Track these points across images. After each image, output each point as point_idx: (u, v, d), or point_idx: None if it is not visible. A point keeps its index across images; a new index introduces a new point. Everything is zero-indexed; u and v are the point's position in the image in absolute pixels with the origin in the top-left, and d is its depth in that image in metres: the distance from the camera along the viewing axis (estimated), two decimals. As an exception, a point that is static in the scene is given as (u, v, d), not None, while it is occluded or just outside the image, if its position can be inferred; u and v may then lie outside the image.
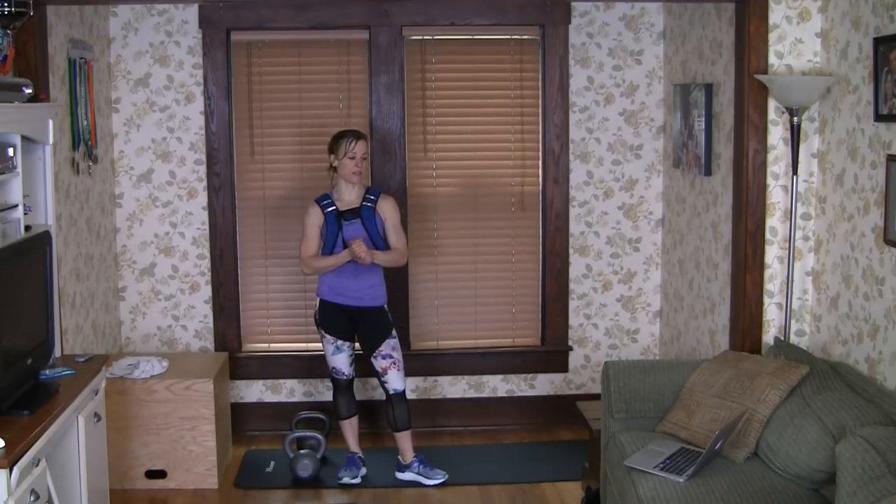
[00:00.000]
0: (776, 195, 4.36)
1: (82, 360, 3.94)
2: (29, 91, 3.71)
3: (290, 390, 5.70)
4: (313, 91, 5.56)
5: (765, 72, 4.27)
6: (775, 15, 4.26)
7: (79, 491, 3.65)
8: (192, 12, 5.39)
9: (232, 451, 5.37)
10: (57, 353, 3.97)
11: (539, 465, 5.16)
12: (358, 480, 4.96)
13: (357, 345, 4.97)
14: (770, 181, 4.35)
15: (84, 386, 3.70)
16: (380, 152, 5.50)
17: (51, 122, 3.87)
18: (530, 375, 5.76)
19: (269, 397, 5.69)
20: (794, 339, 4.36)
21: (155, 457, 4.84)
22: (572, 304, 5.74)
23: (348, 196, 4.86)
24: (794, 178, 4.16)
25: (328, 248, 4.83)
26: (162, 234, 5.56)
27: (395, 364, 4.89)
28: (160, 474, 4.86)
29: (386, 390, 4.92)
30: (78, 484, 3.65)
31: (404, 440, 4.98)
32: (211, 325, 5.63)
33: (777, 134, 4.33)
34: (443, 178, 5.66)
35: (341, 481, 4.94)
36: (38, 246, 3.68)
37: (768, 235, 4.37)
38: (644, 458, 3.74)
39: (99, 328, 5.14)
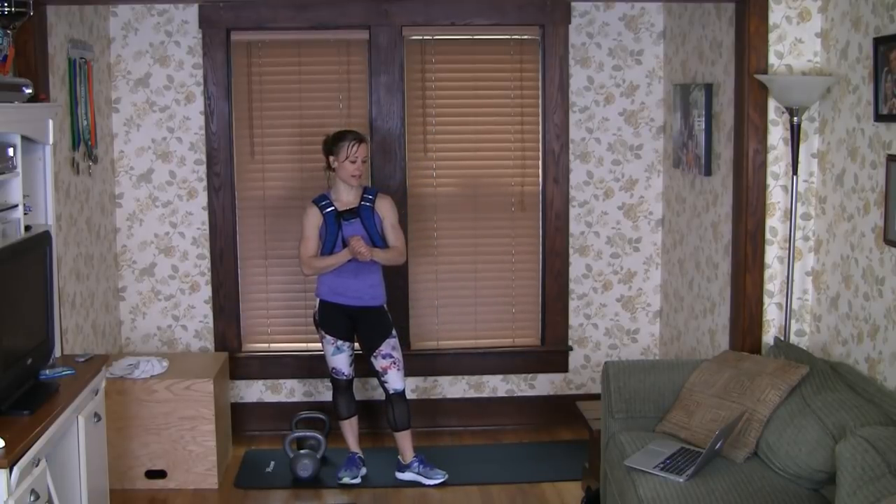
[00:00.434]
0: (776, 195, 4.36)
1: (82, 360, 3.94)
2: (29, 91, 3.71)
3: (290, 390, 5.70)
4: (313, 91, 5.56)
5: (765, 72, 4.27)
6: (775, 15, 4.26)
7: (79, 491, 3.65)
8: (192, 12, 5.39)
9: (232, 451, 5.37)
10: (57, 353, 3.97)
11: (539, 465, 5.16)
12: (358, 480, 4.96)
13: (357, 345, 4.97)
14: (770, 181, 4.35)
15: (84, 386, 3.70)
16: (380, 152, 5.50)
17: (51, 122, 3.87)
18: (530, 375, 5.76)
19: (269, 397, 5.69)
20: (794, 339, 4.36)
21: (155, 457, 4.84)
22: (572, 304, 5.74)
23: (346, 196, 4.86)
24: (794, 178, 4.16)
25: (328, 249, 4.83)
26: (162, 234, 5.56)
27: (394, 364, 4.89)
28: (160, 474, 4.86)
29: (386, 390, 4.92)
30: (78, 484, 3.65)
31: (404, 440, 4.98)
32: (211, 325, 5.63)
33: (777, 134, 4.33)
34: (443, 178, 5.66)
35: (341, 481, 4.94)
36: (38, 246, 3.68)
37: (768, 235, 4.37)
38: (644, 458, 3.74)
39: (99, 328, 5.14)
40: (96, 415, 3.85)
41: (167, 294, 5.61)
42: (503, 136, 5.64)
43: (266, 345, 5.70)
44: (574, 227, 5.68)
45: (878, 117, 3.67)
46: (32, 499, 3.06)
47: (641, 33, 5.57)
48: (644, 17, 5.55)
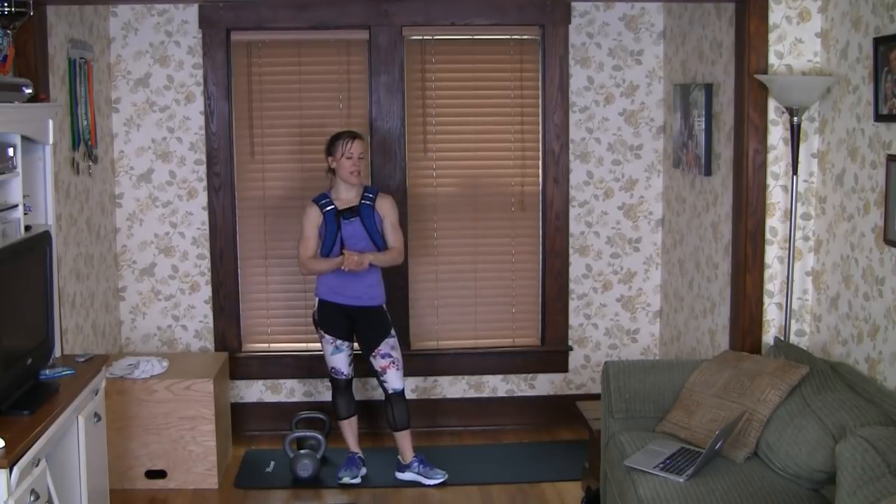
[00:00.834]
0: (776, 195, 4.36)
1: (82, 360, 3.94)
2: (29, 91, 3.71)
3: (290, 390, 5.70)
4: (313, 91, 5.56)
5: (765, 72, 4.27)
6: (775, 15, 4.26)
7: (79, 491, 3.65)
8: (192, 12, 5.39)
9: (232, 451, 5.37)
10: (57, 353, 3.97)
11: (539, 465, 5.16)
12: (358, 480, 4.96)
13: (356, 344, 4.97)
14: (770, 181, 4.35)
15: (84, 386, 3.70)
16: (380, 152, 5.50)
17: (51, 122, 3.87)
18: (530, 375, 5.76)
19: (269, 397, 5.69)
20: (794, 339, 4.36)
21: (155, 457, 4.84)
22: (572, 304, 5.74)
23: (346, 195, 4.86)
24: (794, 178, 4.16)
25: (327, 248, 4.84)
26: (162, 234, 5.56)
27: (394, 363, 4.89)
28: (160, 474, 4.86)
29: (385, 390, 4.92)
30: (78, 484, 3.65)
31: (404, 440, 4.98)
32: (211, 325, 5.63)
33: (777, 134, 4.33)
34: (443, 178, 5.66)
35: (341, 481, 4.94)
36: (38, 246, 3.68)
37: (768, 235, 4.37)
38: (644, 458, 3.74)
39: (99, 328, 5.14)
40: (96, 415, 3.85)
41: (167, 294, 5.61)
42: (503, 136, 5.64)
43: (266, 345, 5.70)
44: (574, 227, 5.68)
45: (878, 117, 3.67)
46: (32, 499, 3.06)
47: (641, 33, 5.57)
48: (644, 17, 5.55)
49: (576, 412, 4.94)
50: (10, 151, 3.56)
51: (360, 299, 4.87)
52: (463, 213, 5.67)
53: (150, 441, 4.83)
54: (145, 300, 5.60)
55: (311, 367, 5.58)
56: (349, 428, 5.06)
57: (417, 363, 5.59)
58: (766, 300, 4.41)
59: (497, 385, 5.77)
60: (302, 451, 5.02)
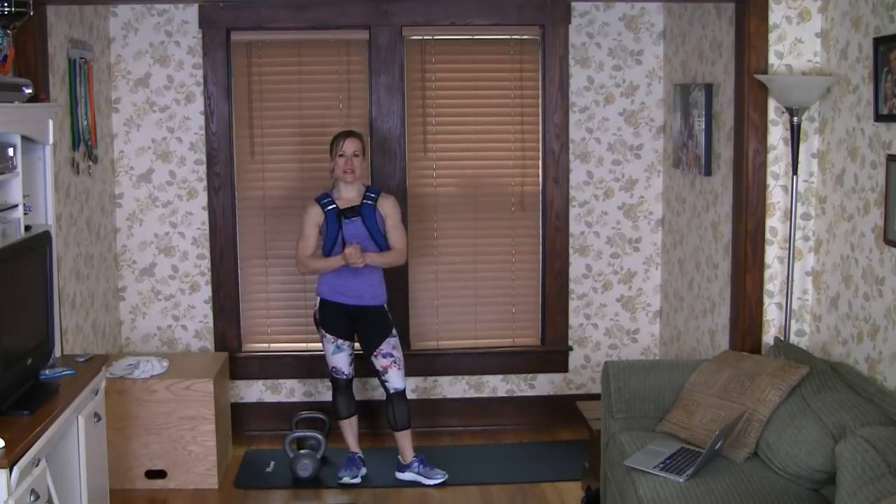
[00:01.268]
0: (776, 195, 4.36)
1: (82, 360, 3.94)
2: (29, 91, 3.71)
3: (290, 390, 5.70)
4: (313, 91, 5.56)
5: (765, 72, 4.26)
6: (775, 15, 4.26)
7: (79, 491, 3.65)
8: (192, 12, 5.39)
9: (232, 451, 5.37)
10: (57, 353, 3.97)
11: (539, 465, 5.16)
12: (358, 480, 4.96)
13: (357, 344, 4.98)
14: (770, 181, 4.35)
15: (84, 386, 3.70)
16: (380, 152, 5.50)
17: (51, 122, 3.87)
18: (530, 375, 5.76)
19: (269, 397, 5.69)
20: (794, 339, 4.36)
21: (155, 457, 4.84)
22: (572, 304, 5.74)
23: (348, 194, 4.87)
24: (794, 178, 4.16)
25: (328, 247, 4.84)
26: (162, 234, 5.56)
27: (395, 363, 4.89)
28: (160, 474, 4.86)
29: (386, 389, 4.92)
30: (78, 484, 3.65)
31: (404, 440, 4.98)
32: (211, 325, 5.63)
33: (777, 134, 4.33)
34: (443, 178, 5.66)
35: (341, 481, 4.94)
36: (38, 246, 3.68)
37: (768, 235, 4.37)
38: (644, 458, 3.74)
39: (99, 328, 5.14)
40: (96, 415, 3.85)
41: (167, 294, 5.61)
42: (503, 136, 5.64)
43: (266, 345, 5.70)
44: (574, 227, 5.68)
45: (878, 117, 3.67)
46: (32, 499, 3.06)
47: (641, 33, 5.57)
48: (644, 17, 5.55)
49: (576, 412, 4.94)
50: (10, 151, 3.56)
51: (361, 299, 4.87)
52: (463, 213, 5.67)
53: (150, 441, 4.83)
54: (145, 300, 5.60)
55: (311, 367, 5.58)
56: (349, 428, 5.06)
57: (417, 363, 5.59)
58: (766, 300, 4.41)
59: (497, 385, 5.77)
60: (302, 451, 5.02)
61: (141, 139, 5.49)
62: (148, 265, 5.58)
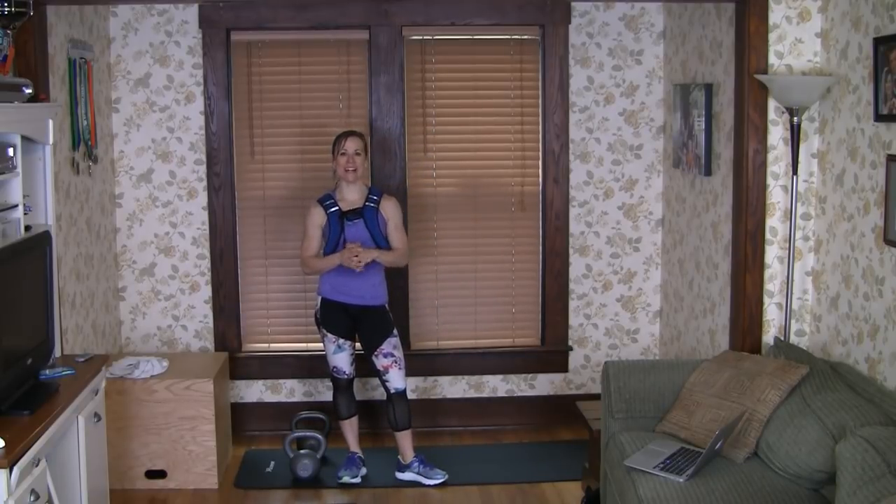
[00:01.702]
0: (776, 195, 4.36)
1: (82, 360, 3.94)
2: (29, 91, 3.71)
3: (290, 390, 5.70)
4: (313, 91, 5.56)
5: (765, 72, 4.27)
6: (775, 15, 4.26)
7: (79, 491, 3.65)
8: (192, 12, 5.39)
9: (232, 451, 5.37)
10: (57, 353, 3.97)
11: (539, 465, 5.16)
12: (358, 480, 4.96)
13: (358, 344, 4.98)
14: (770, 181, 4.35)
15: (84, 386, 3.70)
16: (380, 152, 5.50)
17: (51, 122, 3.87)
18: (530, 375, 5.76)
19: (269, 397, 5.69)
20: (794, 339, 4.36)
21: (155, 457, 4.84)
22: (572, 304, 5.74)
23: (350, 196, 4.87)
24: (794, 178, 4.16)
25: (330, 248, 4.84)
26: (162, 234, 5.56)
27: (396, 363, 4.89)
28: (160, 474, 4.86)
29: (387, 389, 4.92)
30: (78, 484, 3.65)
31: (404, 440, 4.98)
32: (211, 325, 5.63)
33: (777, 134, 4.33)
34: (443, 178, 5.66)
35: (341, 481, 4.94)
36: (38, 246, 3.68)
37: (768, 235, 4.37)
38: (644, 458, 3.74)
39: (99, 328, 5.14)
40: (96, 415, 3.85)
41: (167, 294, 5.61)
42: (503, 136, 5.64)
43: (266, 345, 5.70)
44: (574, 227, 5.68)
45: (878, 117, 3.67)
46: (32, 499, 3.06)
47: (641, 33, 5.57)
48: (644, 17, 5.55)
49: (576, 412, 4.94)
50: (10, 151, 3.56)
51: (363, 298, 4.87)
52: (463, 213, 5.67)
53: (150, 441, 4.83)
54: (145, 300, 5.60)
55: (312, 367, 5.58)
56: (349, 428, 5.06)
57: (417, 363, 5.59)
58: (766, 300, 4.41)
59: (497, 385, 5.77)
60: (302, 451, 5.02)
61: (141, 139, 5.49)
62: (148, 265, 5.58)
